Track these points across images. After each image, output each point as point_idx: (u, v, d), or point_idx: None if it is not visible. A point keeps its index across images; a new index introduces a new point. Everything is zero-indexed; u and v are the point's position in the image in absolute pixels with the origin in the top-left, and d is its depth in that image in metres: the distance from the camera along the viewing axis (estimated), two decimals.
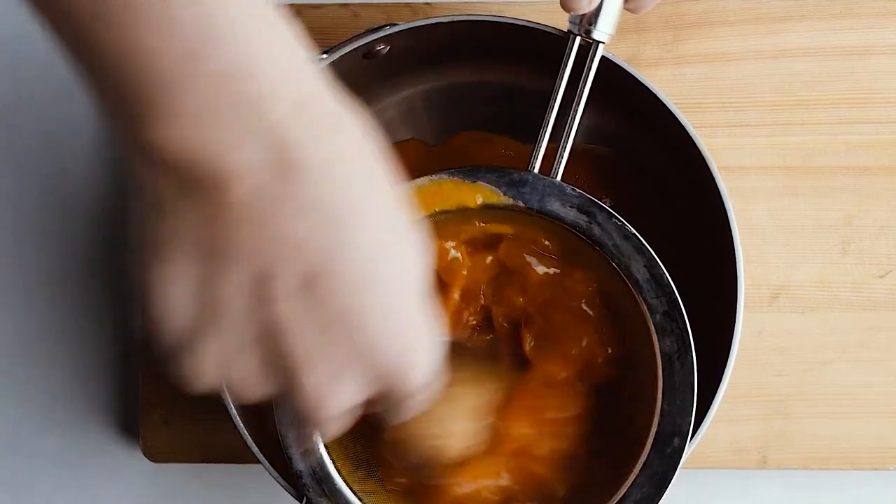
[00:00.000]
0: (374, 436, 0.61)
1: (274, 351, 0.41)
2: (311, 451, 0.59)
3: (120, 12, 0.35)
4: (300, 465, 0.59)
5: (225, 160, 0.37)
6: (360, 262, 0.40)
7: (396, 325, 0.42)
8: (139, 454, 0.71)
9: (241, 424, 0.61)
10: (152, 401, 0.70)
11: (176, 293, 0.40)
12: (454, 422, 0.60)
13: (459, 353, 0.60)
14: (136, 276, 0.41)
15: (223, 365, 0.41)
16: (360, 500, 0.60)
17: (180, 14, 0.35)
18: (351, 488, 0.60)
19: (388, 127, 0.69)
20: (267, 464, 0.61)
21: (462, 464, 0.61)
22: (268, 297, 0.40)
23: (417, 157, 0.68)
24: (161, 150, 0.37)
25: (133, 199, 0.40)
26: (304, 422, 0.43)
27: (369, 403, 0.44)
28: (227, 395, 0.43)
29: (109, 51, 0.36)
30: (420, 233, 0.43)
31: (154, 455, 0.71)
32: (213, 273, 0.39)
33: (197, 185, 0.38)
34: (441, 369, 0.46)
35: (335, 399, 0.42)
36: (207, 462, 0.71)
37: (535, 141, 0.58)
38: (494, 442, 0.61)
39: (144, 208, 0.39)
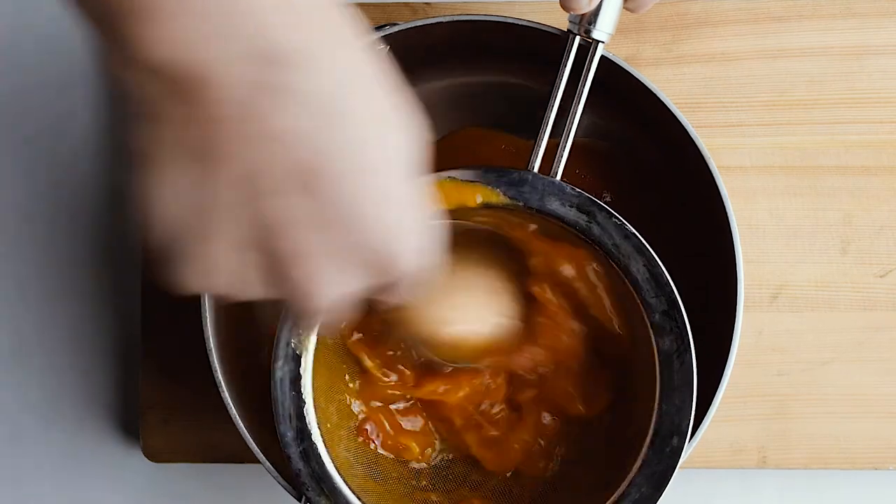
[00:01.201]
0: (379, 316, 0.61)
1: (267, 245, 0.41)
2: (310, 327, 0.58)
3: None
4: (299, 464, 0.59)
5: (208, 56, 0.37)
6: (349, 150, 0.40)
7: (388, 210, 0.42)
8: (139, 454, 0.71)
9: (241, 424, 0.61)
10: (152, 401, 0.70)
11: (169, 195, 0.40)
12: (459, 307, 0.60)
13: (467, 245, 0.60)
14: (133, 184, 0.41)
15: (218, 264, 0.41)
16: (358, 498, 0.60)
17: None
18: (350, 487, 0.60)
19: None
20: (267, 464, 0.61)
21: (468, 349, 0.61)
22: (260, 193, 0.40)
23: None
24: (146, 52, 0.37)
25: (127, 108, 0.40)
26: (300, 313, 0.44)
27: (369, 289, 0.44)
28: (217, 298, 0.43)
29: None
30: (412, 115, 0.43)
31: (154, 455, 0.71)
32: (204, 173, 0.39)
33: (184, 86, 0.38)
34: (441, 256, 0.46)
35: (330, 286, 0.42)
36: (207, 462, 0.71)
37: (534, 137, 0.58)
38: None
39: (135, 116, 0.40)
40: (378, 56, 0.42)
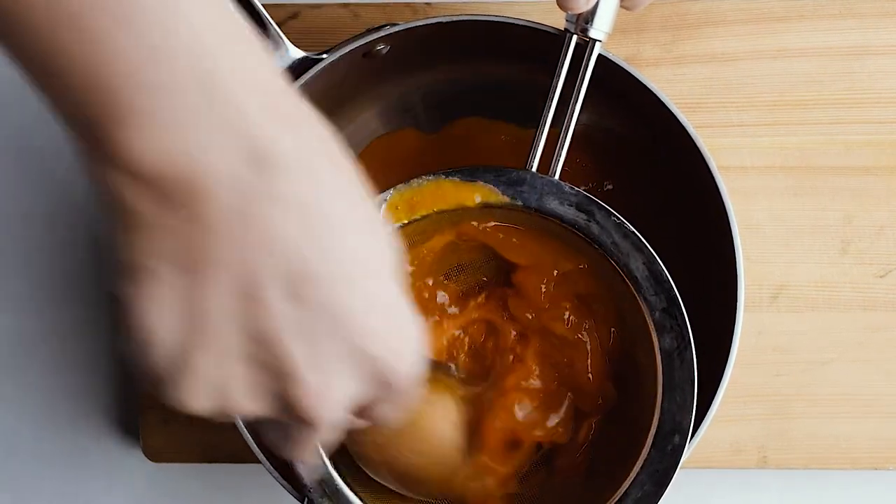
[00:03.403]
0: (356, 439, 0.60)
1: (266, 358, 0.40)
2: (313, 462, 0.58)
3: (85, 13, 0.34)
4: (302, 467, 0.59)
5: (199, 163, 0.36)
6: (345, 255, 0.40)
7: (384, 316, 0.41)
8: (139, 454, 0.71)
9: (242, 424, 0.61)
10: (152, 401, 0.70)
11: (159, 312, 0.38)
12: (433, 438, 0.60)
13: (437, 369, 0.60)
14: (115, 301, 0.40)
15: (216, 383, 0.40)
16: (361, 500, 0.60)
17: (143, 18, 0.35)
18: (353, 490, 0.60)
19: (388, 124, 0.69)
20: (267, 464, 0.61)
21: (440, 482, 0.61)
22: (255, 302, 0.38)
23: (416, 145, 0.68)
24: (128, 157, 0.36)
25: (105, 219, 0.39)
26: (303, 431, 0.43)
27: (366, 398, 0.43)
28: (222, 419, 0.43)
29: (75, 57, 0.35)
30: (387, 224, 0.43)
31: (154, 455, 0.71)
32: (195, 285, 0.38)
33: (172, 194, 0.37)
34: (424, 368, 0.45)
35: (333, 399, 0.41)
36: (207, 462, 0.71)
37: (534, 126, 0.58)
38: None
39: (117, 226, 0.38)
40: (350, 160, 0.41)
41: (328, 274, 0.39)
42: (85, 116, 0.36)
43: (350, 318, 0.40)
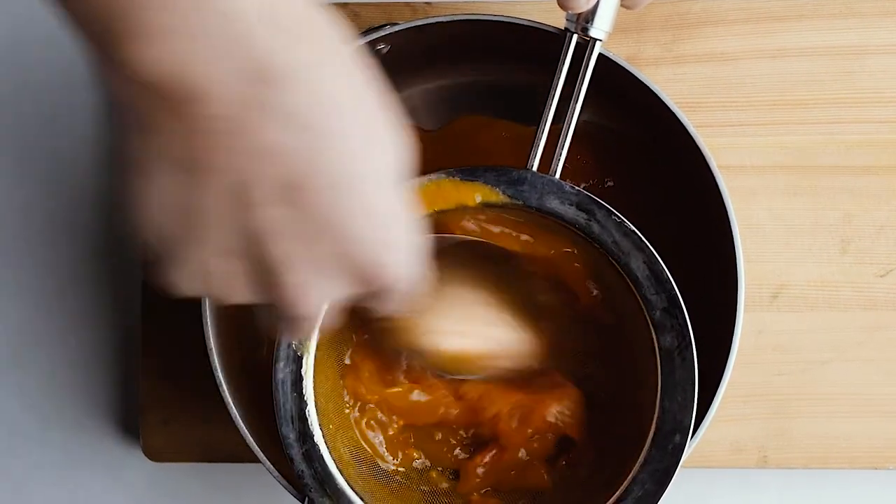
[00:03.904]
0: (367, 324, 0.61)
1: (255, 254, 0.42)
2: (302, 340, 0.59)
3: None
4: (302, 465, 0.59)
5: (199, 73, 0.38)
6: (337, 164, 0.41)
7: (374, 221, 0.43)
8: (139, 454, 0.71)
9: (242, 424, 0.61)
10: (152, 401, 0.70)
11: (157, 203, 0.41)
12: (451, 319, 0.61)
13: (459, 257, 0.61)
14: (119, 193, 0.42)
15: (206, 270, 0.42)
16: (362, 500, 0.60)
17: None
18: (353, 488, 0.60)
19: None
20: (267, 463, 0.61)
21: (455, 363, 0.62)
22: (247, 204, 0.41)
23: (416, 142, 0.68)
24: (136, 67, 0.38)
25: (113, 118, 0.41)
26: (287, 320, 0.45)
27: (355, 298, 0.45)
28: (209, 301, 0.44)
29: None
30: (398, 126, 0.43)
31: (154, 455, 0.71)
32: (192, 182, 0.40)
33: (173, 100, 0.39)
34: (427, 266, 0.46)
35: (316, 294, 0.43)
36: (207, 462, 0.71)
37: (535, 124, 0.59)
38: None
39: (123, 126, 0.41)
40: (366, 66, 0.42)
41: (321, 179, 0.41)
42: (100, 31, 0.38)
43: (340, 222, 0.42)
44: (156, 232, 0.42)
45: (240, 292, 0.43)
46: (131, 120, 0.40)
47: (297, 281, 0.43)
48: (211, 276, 0.43)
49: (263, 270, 0.42)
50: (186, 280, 0.43)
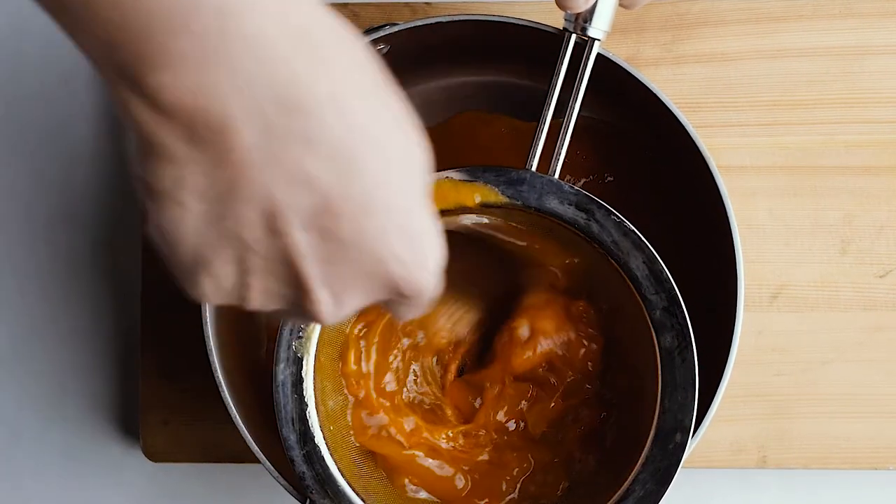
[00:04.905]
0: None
1: (284, 273, 0.42)
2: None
3: None
4: (303, 466, 0.59)
5: (225, 103, 0.37)
6: (371, 190, 0.41)
7: (409, 242, 0.42)
8: (139, 454, 0.71)
9: (242, 424, 0.61)
10: (152, 401, 0.70)
11: (184, 230, 0.40)
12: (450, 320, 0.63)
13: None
14: (141, 219, 0.42)
15: (232, 286, 0.42)
16: (363, 500, 0.60)
17: None
18: (354, 489, 0.60)
19: None
20: (268, 464, 0.61)
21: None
22: (279, 232, 0.40)
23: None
24: (158, 97, 0.37)
25: (130, 145, 0.40)
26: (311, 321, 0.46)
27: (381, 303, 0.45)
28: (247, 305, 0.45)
29: (113, 6, 0.36)
30: (421, 142, 0.43)
31: (154, 455, 0.71)
32: (221, 211, 0.40)
33: (201, 130, 0.38)
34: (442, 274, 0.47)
35: (342, 311, 0.43)
36: (207, 462, 0.71)
37: (534, 119, 0.58)
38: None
39: (144, 156, 0.39)
40: (389, 80, 0.42)
41: (352, 209, 0.40)
42: (118, 59, 0.37)
43: (374, 248, 0.42)
44: (178, 255, 0.41)
45: (270, 304, 0.43)
46: (153, 151, 0.39)
47: (330, 297, 0.42)
48: (242, 289, 0.42)
49: (290, 287, 0.42)
50: (211, 294, 0.42)
